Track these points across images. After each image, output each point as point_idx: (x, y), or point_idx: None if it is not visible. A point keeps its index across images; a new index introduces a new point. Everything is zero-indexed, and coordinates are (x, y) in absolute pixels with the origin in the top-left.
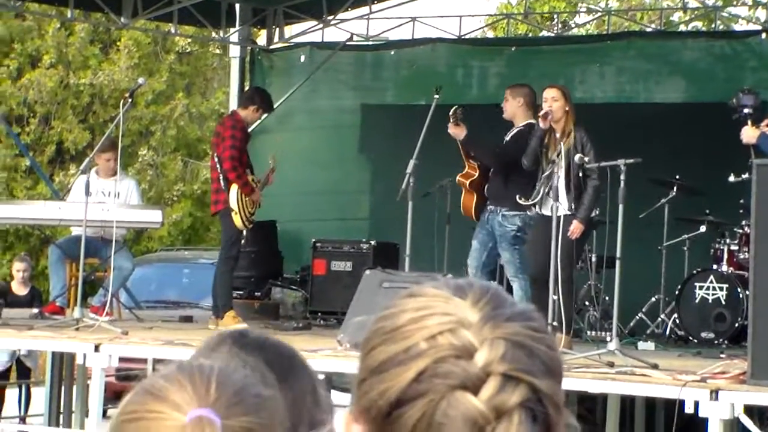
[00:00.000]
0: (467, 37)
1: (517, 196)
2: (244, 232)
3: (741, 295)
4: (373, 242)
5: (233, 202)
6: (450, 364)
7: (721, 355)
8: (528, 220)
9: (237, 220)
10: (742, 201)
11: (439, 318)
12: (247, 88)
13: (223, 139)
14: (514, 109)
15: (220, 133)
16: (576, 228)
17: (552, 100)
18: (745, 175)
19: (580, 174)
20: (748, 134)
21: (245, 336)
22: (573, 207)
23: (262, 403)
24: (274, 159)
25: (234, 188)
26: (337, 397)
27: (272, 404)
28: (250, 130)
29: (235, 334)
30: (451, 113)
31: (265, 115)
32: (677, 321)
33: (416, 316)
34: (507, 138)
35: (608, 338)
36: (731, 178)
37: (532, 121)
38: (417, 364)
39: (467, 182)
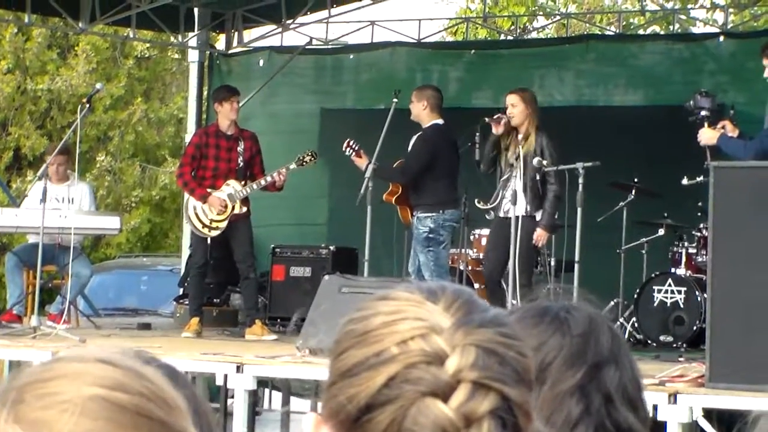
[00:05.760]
0: (427, 41)
1: (476, 200)
2: (208, 240)
3: (699, 299)
4: (332, 247)
5: (183, 211)
6: (420, 370)
7: (680, 359)
8: (442, 222)
9: (192, 228)
10: (699, 204)
11: (410, 323)
12: (205, 92)
13: None
14: (418, 111)
15: None
16: (540, 236)
17: (511, 106)
18: (700, 178)
19: (537, 177)
20: (707, 136)
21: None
22: (529, 209)
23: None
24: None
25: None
26: (297, 403)
27: None
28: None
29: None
30: (345, 147)
31: (231, 102)
32: (636, 324)
33: (388, 320)
34: (410, 145)
35: None
36: (685, 181)
37: (437, 121)
38: (387, 369)
39: (393, 199)
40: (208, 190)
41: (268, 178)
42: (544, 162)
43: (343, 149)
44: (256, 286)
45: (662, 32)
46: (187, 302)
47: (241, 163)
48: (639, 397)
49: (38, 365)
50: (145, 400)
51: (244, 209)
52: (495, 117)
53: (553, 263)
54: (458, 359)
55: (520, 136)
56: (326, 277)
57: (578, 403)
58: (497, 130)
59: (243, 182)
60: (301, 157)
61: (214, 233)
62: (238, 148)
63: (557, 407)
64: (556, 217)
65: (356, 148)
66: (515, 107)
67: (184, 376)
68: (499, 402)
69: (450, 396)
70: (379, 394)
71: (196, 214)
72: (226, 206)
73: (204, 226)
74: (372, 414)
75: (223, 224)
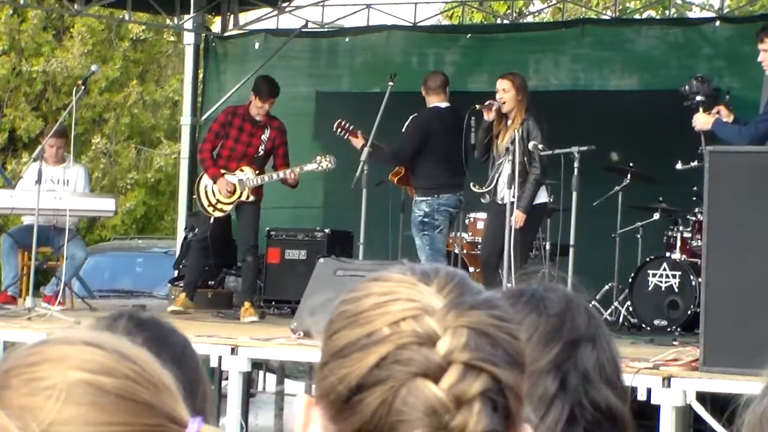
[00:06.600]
0: (422, 24)
1: (471, 184)
2: (211, 219)
3: (694, 283)
4: (327, 230)
5: (195, 187)
6: (412, 351)
7: (674, 343)
8: (437, 206)
9: (199, 204)
10: (695, 188)
11: (402, 304)
12: (201, 75)
13: None
14: (425, 95)
15: None
16: (518, 217)
17: (502, 91)
18: (694, 163)
19: (525, 160)
20: (701, 121)
21: (139, 314)
22: (513, 194)
23: None
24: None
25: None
26: (291, 385)
27: None
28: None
29: (132, 311)
30: (335, 128)
31: (263, 103)
32: (630, 309)
33: (380, 301)
34: (404, 127)
35: None
36: (679, 166)
37: (438, 104)
38: (379, 349)
39: (396, 179)
40: (221, 171)
41: (281, 174)
42: (540, 146)
43: (334, 130)
44: (254, 270)
45: (658, 17)
46: (182, 284)
47: (261, 152)
48: (617, 376)
49: (25, 348)
50: (131, 383)
51: (252, 198)
52: (486, 103)
53: (548, 247)
54: (450, 340)
55: (510, 121)
56: (321, 260)
57: (554, 380)
58: (489, 116)
59: (257, 171)
60: (318, 161)
61: (218, 214)
62: (263, 136)
63: (534, 384)
64: (548, 199)
65: (350, 128)
66: (506, 92)
67: (191, 351)
68: (491, 384)
69: (441, 377)
70: (369, 374)
71: (206, 192)
72: (234, 191)
73: (210, 204)
74: (362, 394)
75: (228, 207)
